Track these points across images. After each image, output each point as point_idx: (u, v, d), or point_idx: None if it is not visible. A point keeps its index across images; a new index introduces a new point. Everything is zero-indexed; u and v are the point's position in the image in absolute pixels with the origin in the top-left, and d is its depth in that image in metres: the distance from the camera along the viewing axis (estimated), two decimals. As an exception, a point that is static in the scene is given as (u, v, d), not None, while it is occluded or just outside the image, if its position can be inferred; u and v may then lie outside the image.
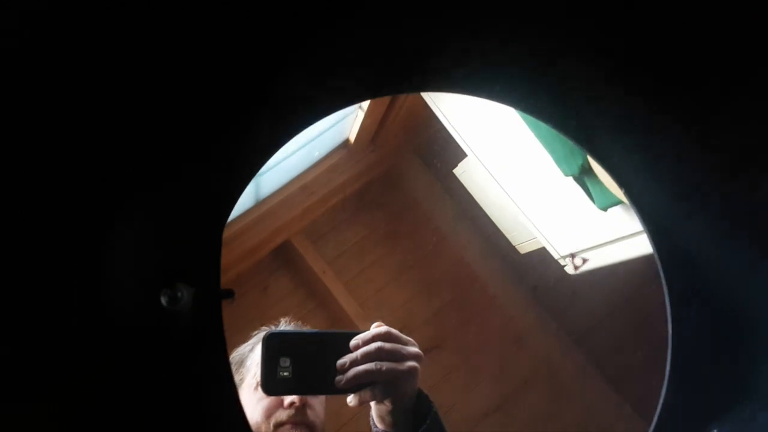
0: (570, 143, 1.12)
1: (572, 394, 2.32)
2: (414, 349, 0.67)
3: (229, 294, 0.42)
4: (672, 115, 0.59)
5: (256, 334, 0.97)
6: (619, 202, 1.09)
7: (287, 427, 0.77)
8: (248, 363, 0.89)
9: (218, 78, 0.41)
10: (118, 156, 0.39)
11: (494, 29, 0.49)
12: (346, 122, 1.93)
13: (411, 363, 0.65)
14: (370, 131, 2.00)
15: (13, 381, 0.36)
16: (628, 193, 0.65)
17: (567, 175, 1.16)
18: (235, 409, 0.43)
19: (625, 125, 0.63)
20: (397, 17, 0.45)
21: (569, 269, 1.53)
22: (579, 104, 0.62)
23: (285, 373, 0.65)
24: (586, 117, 0.64)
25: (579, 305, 2.39)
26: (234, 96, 0.43)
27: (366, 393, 0.64)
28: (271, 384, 0.65)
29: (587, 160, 1.09)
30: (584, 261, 1.18)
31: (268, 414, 0.80)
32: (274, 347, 0.66)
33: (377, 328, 0.67)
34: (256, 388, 0.83)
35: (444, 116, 1.54)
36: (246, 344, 0.94)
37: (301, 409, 0.80)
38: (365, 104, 1.79)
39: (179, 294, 0.39)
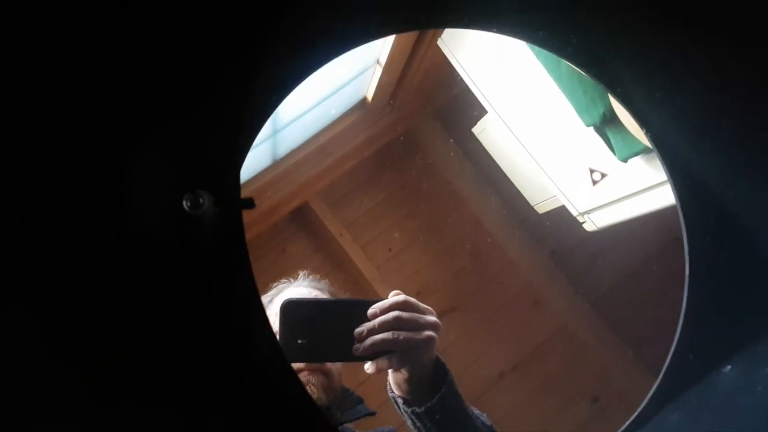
0: (592, 92, 1.10)
1: (589, 356, 2.33)
2: (432, 318, 0.67)
3: (249, 203, 0.42)
4: (698, 55, 0.58)
5: (275, 286, 0.99)
6: (640, 151, 1.08)
7: (304, 372, 0.78)
8: (267, 314, 0.90)
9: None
10: (140, 68, 0.39)
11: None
12: (364, 79, 1.91)
13: (428, 332, 0.66)
14: (388, 90, 1.97)
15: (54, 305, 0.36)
16: (650, 132, 0.64)
17: (588, 125, 1.14)
18: (261, 321, 0.44)
19: (649, 62, 0.62)
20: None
21: (588, 226, 1.52)
22: (605, 38, 0.61)
23: (302, 341, 0.66)
24: (610, 53, 0.63)
25: (596, 269, 2.38)
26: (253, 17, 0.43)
27: (383, 361, 0.65)
28: (288, 351, 0.66)
29: (610, 107, 1.07)
30: (602, 176, 1.16)
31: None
32: (292, 314, 0.67)
33: (395, 296, 0.67)
34: None
35: (463, 69, 1.52)
36: (265, 296, 0.95)
37: None
38: (383, 59, 1.77)
39: (200, 200, 0.39)
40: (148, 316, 0.40)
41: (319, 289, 0.94)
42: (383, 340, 0.64)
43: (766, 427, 0.52)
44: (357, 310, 0.66)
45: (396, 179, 2.42)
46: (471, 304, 2.37)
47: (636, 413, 0.65)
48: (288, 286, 0.96)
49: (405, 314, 0.65)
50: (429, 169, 2.44)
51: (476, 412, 0.75)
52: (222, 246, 0.42)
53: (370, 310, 0.66)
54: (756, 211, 0.62)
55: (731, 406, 0.57)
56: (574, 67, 0.64)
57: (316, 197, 2.30)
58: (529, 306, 2.40)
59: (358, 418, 0.84)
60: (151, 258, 0.41)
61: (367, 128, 2.13)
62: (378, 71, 1.84)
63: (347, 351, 0.65)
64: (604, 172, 1.21)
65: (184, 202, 0.39)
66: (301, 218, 2.38)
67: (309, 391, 0.76)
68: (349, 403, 0.86)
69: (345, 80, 1.79)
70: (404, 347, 0.65)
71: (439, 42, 1.59)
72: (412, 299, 0.67)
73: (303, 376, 0.78)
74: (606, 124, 1.12)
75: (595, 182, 1.24)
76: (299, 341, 0.66)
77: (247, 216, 2.14)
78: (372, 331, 0.65)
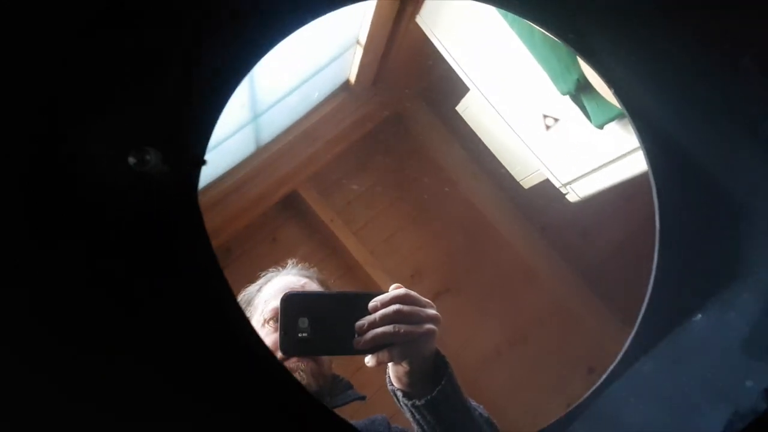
0: (565, 60, 1.11)
1: (583, 329, 2.35)
2: (432, 311, 0.67)
3: (198, 161, 0.42)
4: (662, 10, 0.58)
5: (263, 275, 0.99)
6: (615, 117, 1.08)
7: (294, 359, 0.78)
8: (256, 302, 0.90)
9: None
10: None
11: None
12: (345, 60, 1.90)
13: (429, 325, 0.66)
14: (371, 71, 1.97)
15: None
16: (618, 92, 0.65)
17: (564, 93, 1.15)
18: (218, 278, 0.44)
19: (618, 22, 0.62)
20: None
21: (571, 197, 1.52)
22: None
23: (303, 334, 0.66)
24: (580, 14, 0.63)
25: (587, 245, 2.39)
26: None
27: (384, 354, 0.65)
28: (289, 344, 0.66)
29: (583, 75, 1.07)
30: (556, 120, 1.17)
31: (276, 347, 0.81)
32: (292, 308, 0.67)
33: (396, 290, 0.67)
34: (263, 325, 0.84)
35: (443, 46, 1.52)
36: (254, 284, 0.95)
37: None
38: (362, 39, 1.76)
39: (147, 156, 0.39)
40: (107, 269, 0.40)
41: (308, 277, 0.94)
42: (384, 333, 0.64)
43: (731, 370, 0.53)
44: (357, 304, 0.66)
45: (385, 163, 2.41)
46: (465, 284, 2.38)
47: (611, 367, 0.66)
48: (277, 275, 0.96)
49: (406, 307, 0.65)
50: (417, 150, 2.44)
51: (473, 403, 0.75)
52: (174, 203, 0.42)
53: (371, 304, 0.66)
54: (722, 163, 0.62)
55: (702, 352, 0.58)
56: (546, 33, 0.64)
57: (305, 184, 2.30)
58: (522, 282, 2.41)
59: (348, 403, 0.84)
60: (106, 213, 0.41)
61: (352, 112, 2.12)
62: (359, 51, 1.83)
63: (348, 344, 0.65)
64: (556, 116, 1.21)
65: (129, 158, 0.39)
66: (291, 206, 2.38)
67: (299, 377, 0.77)
68: (338, 388, 0.86)
69: (325, 61, 1.78)
70: (405, 340, 0.65)
71: (418, 19, 1.59)
72: (412, 292, 0.67)
73: (293, 363, 0.78)
74: (581, 92, 1.12)
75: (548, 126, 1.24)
76: (300, 335, 0.66)
77: (235, 206, 2.14)
78: (373, 324, 0.65)
